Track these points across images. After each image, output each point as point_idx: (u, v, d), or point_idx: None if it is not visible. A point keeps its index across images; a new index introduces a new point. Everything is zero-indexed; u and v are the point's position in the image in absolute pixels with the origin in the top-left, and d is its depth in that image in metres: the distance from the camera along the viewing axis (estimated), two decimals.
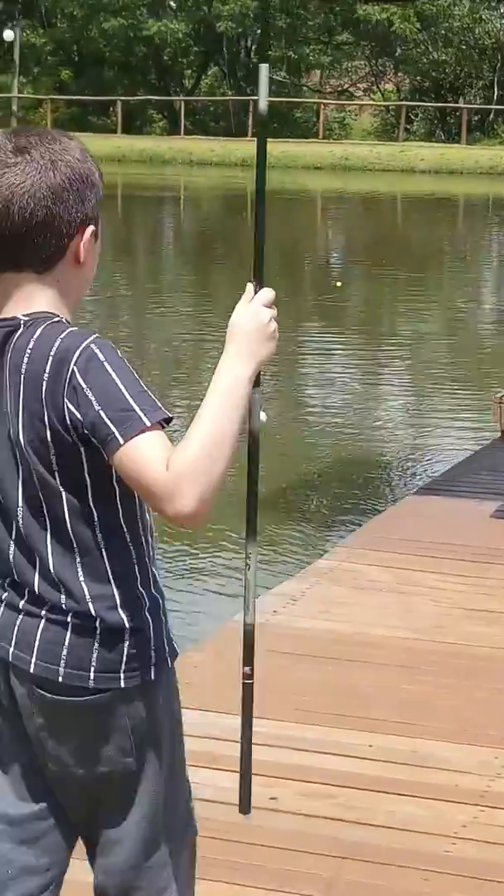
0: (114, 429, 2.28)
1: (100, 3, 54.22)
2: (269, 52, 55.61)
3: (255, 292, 2.50)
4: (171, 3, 54.23)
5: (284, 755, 4.28)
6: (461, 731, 4.48)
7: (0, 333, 2.43)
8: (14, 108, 52.95)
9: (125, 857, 2.62)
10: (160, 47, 54.58)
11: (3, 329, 2.44)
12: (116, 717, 2.51)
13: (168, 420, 2.31)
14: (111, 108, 52.46)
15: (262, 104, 2.64)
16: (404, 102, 53.94)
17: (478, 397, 11.76)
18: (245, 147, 45.79)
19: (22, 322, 2.42)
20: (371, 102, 57.23)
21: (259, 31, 54.40)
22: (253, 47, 56.76)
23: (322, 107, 52.79)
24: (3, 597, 2.53)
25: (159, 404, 2.34)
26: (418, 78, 56.59)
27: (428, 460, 9.87)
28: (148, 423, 2.28)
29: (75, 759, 2.54)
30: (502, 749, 4.35)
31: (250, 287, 2.51)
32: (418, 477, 9.20)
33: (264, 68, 2.65)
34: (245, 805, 2.77)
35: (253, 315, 2.48)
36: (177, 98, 53.84)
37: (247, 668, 2.71)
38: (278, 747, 4.28)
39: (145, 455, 2.28)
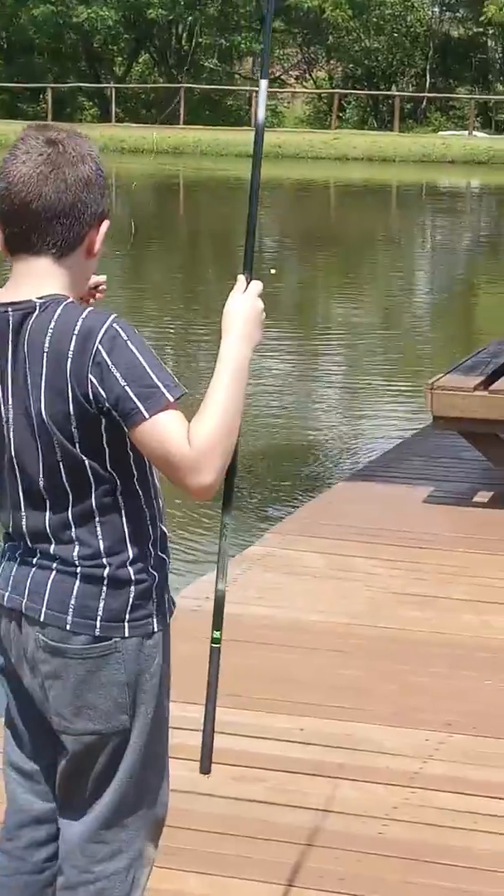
0: (139, 403, 2.44)
1: None
2: (201, 40, 55.64)
3: (248, 283, 2.72)
4: None
5: (216, 740, 4.28)
6: (394, 715, 4.51)
7: (17, 315, 2.55)
8: None
9: (85, 829, 2.71)
10: (90, 34, 54.24)
11: (20, 311, 2.55)
12: (116, 668, 2.63)
13: (183, 395, 2.49)
14: (41, 96, 51.98)
15: (261, 116, 3.03)
16: (337, 90, 53.95)
17: (412, 383, 11.81)
18: (177, 134, 45.82)
19: (37, 304, 2.54)
20: (303, 90, 57.30)
21: (190, 19, 54.24)
22: (184, 34, 56.56)
23: (254, 94, 52.72)
24: (18, 554, 2.67)
25: (176, 381, 2.50)
26: (351, 66, 56.64)
27: (362, 447, 9.90)
28: (171, 399, 2.45)
29: (74, 711, 2.64)
30: (435, 731, 4.39)
31: (242, 278, 2.74)
32: (352, 463, 9.23)
33: (264, 84, 3.15)
34: (206, 765, 2.92)
35: (251, 303, 2.70)
36: (107, 85, 53.56)
37: (216, 633, 2.90)
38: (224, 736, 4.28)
39: (169, 431, 2.46)
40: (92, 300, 3.03)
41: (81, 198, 2.57)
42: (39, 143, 2.57)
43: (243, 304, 2.71)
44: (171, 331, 15.25)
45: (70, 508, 2.60)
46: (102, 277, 3.05)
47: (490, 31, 53.62)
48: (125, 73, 57.35)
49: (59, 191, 2.55)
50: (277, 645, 5.09)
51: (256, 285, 2.73)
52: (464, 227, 29.94)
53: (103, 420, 2.51)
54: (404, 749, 4.27)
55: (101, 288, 3.05)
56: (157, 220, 24.71)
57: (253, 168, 2.99)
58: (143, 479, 2.63)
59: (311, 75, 58.78)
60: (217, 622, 2.90)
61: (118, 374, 2.47)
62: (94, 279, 2.99)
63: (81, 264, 2.63)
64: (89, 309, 2.57)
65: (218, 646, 2.90)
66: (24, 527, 2.67)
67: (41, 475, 2.62)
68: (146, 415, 2.45)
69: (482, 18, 51.15)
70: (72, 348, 2.49)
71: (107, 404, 2.47)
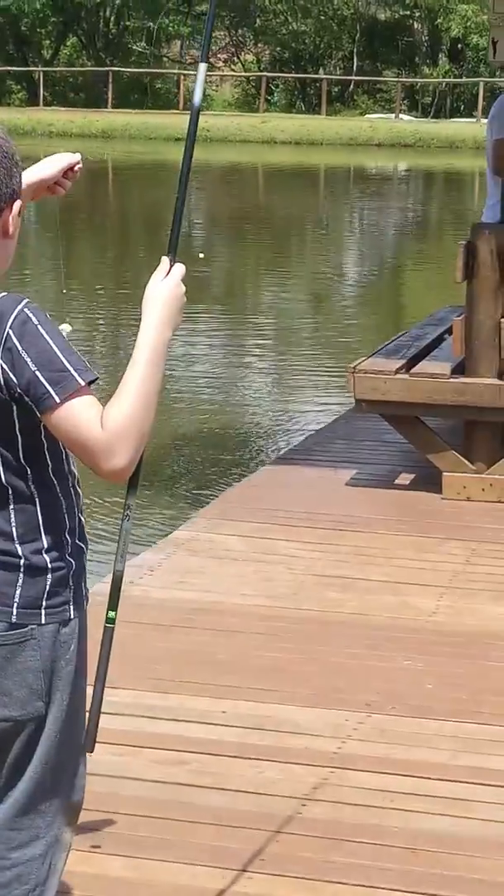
0: (50, 388, 2.43)
1: None
2: (128, 23, 55.28)
3: (171, 266, 2.68)
4: None
5: (137, 723, 4.31)
6: (315, 696, 4.53)
7: None
8: None
9: (5, 810, 2.70)
10: (18, 17, 53.63)
11: None
12: (32, 655, 2.62)
13: (95, 380, 2.48)
14: None
15: (197, 99, 2.96)
16: (264, 73, 53.86)
17: (339, 368, 11.84)
18: (105, 118, 45.51)
19: None
20: (231, 73, 57.10)
21: (118, 1, 53.89)
22: (112, 17, 56.18)
23: (182, 77, 52.50)
24: None
25: (88, 365, 2.49)
26: (278, 49, 56.58)
27: (288, 431, 9.93)
28: (82, 383, 2.43)
29: None
30: (354, 712, 4.41)
31: (165, 260, 2.69)
32: (277, 447, 9.26)
33: (203, 67, 2.98)
34: (90, 744, 2.82)
35: (172, 287, 2.66)
36: (35, 69, 53.09)
37: (111, 613, 2.82)
38: (131, 716, 4.31)
39: (81, 415, 2.45)
40: (67, 185, 3.09)
41: None
42: None
43: (164, 287, 2.67)
44: (100, 316, 15.19)
45: None
46: (77, 156, 3.08)
47: (416, 14, 53.85)
48: (53, 56, 56.88)
49: None
50: (201, 629, 5.09)
51: (179, 268, 2.69)
52: (391, 209, 30.00)
53: (15, 407, 2.49)
54: (324, 729, 4.29)
55: (76, 168, 3.09)
56: (85, 204, 24.52)
57: (185, 151, 2.95)
58: (59, 468, 2.62)
59: (239, 58, 58.58)
60: (113, 602, 2.85)
61: (29, 360, 2.46)
62: (69, 159, 3.05)
63: (0, 246, 2.61)
64: (1, 294, 2.54)
65: (112, 626, 2.86)
66: None
67: None
68: (57, 399, 2.45)
69: (408, 1, 51.32)
70: None
71: (18, 390, 2.47)
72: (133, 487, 2.72)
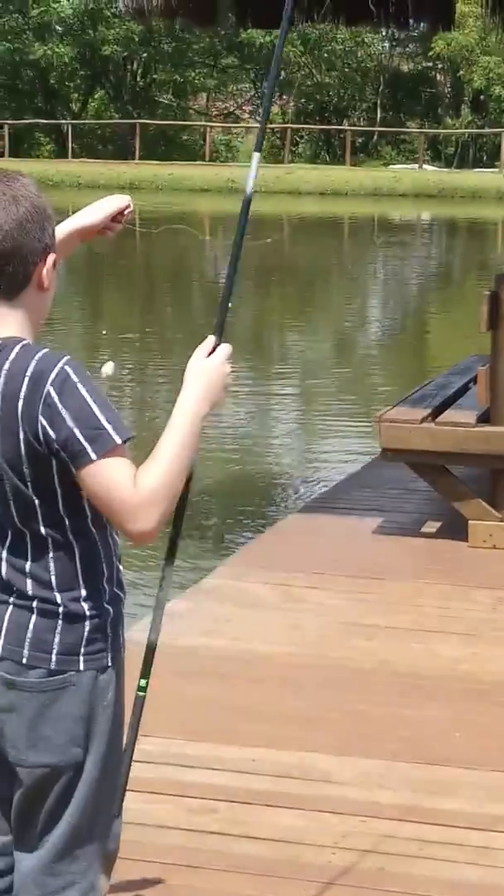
0: (86, 445, 2.46)
1: None
2: (155, 76, 55.74)
3: (216, 345, 2.74)
4: (57, 28, 53.89)
5: (168, 772, 4.30)
6: (342, 745, 4.52)
7: None
8: None
9: (40, 861, 2.72)
10: (46, 71, 54.34)
11: None
12: (71, 702, 2.64)
13: (131, 437, 2.51)
14: None
15: (249, 189, 3.09)
16: (289, 125, 54.20)
17: (365, 416, 11.84)
18: (133, 169, 45.80)
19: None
20: (256, 125, 57.16)
21: (145, 55, 54.34)
22: (139, 70, 56.66)
23: (208, 129, 52.94)
24: None
25: (125, 423, 2.52)
26: (303, 100, 56.96)
27: (314, 479, 9.91)
28: (118, 441, 2.47)
29: (29, 744, 2.64)
30: (381, 760, 4.41)
31: (211, 339, 2.76)
32: (304, 496, 9.23)
33: (256, 156, 3.14)
34: (118, 807, 2.84)
35: (217, 367, 2.71)
36: (64, 122, 53.59)
37: (143, 681, 2.91)
38: (162, 764, 4.31)
39: (114, 475, 2.48)
40: (118, 228, 3.11)
41: (19, 240, 2.58)
42: None
43: (208, 364, 2.71)
44: (128, 370, 15.24)
45: (24, 543, 2.62)
46: (127, 199, 3.11)
47: (439, 66, 54.11)
48: (81, 109, 57.36)
49: (7, 235, 2.57)
50: (229, 677, 5.10)
51: (226, 348, 2.74)
52: (415, 259, 30.04)
53: (54, 461, 2.52)
54: (352, 778, 4.29)
55: (126, 212, 3.12)
56: (115, 255, 24.67)
57: (238, 237, 3.06)
58: (98, 519, 2.62)
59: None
60: (146, 671, 2.91)
61: (67, 416, 2.48)
62: (119, 204, 3.09)
63: (35, 299, 2.65)
64: (44, 351, 2.57)
65: (143, 694, 2.91)
66: None
67: None
68: (94, 456, 2.47)
69: (431, 53, 51.56)
70: (24, 390, 2.51)
71: (56, 445, 2.49)
72: (171, 559, 2.83)
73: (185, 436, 2.61)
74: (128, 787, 2.90)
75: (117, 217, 3.12)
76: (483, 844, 3.89)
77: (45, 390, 2.50)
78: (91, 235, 3.15)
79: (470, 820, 4.02)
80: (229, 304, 2.97)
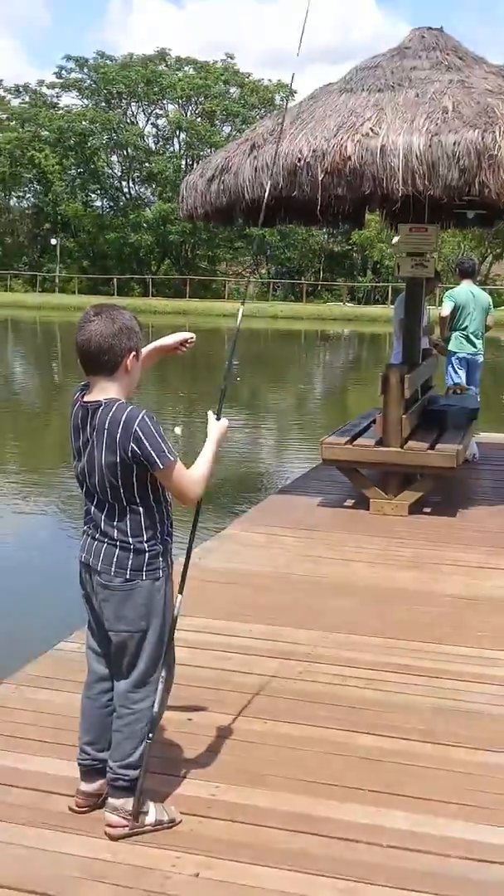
0: (158, 460, 2.54)
1: (103, 223, 54.06)
2: (198, 252, 55.72)
3: (218, 416, 2.84)
4: (144, 225, 53.90)
5: (202, 637, 4.17)
6: (300, 621, 4.40)
7: (92, 408, 2.59)
8: (57, 281, 52.29)
9: (127, 686, 2.69)
10: (138, 249, 54.38)
11: (94, 406, 2.59)
12: (139, 597, 2.62)
13: (177, 457, 2.59)
14: (109, 282, 51.80)
15: (238, 322, 3.12)
16: (272, 280, 54.18)
17: (313, 441, 11.78)
18: (185, 303, 45.59)
19: (103, 403, 2.59)
20: (253, 279, 57.20)
21: (193, 239, 54.27)
22: (189, 247, 56.61)
23: (226, 281, 52.95)
24: (88, 531, 2.67)
25: (173, 450, 2.57)
26: (279, 265, 56.85)
27: (284, 476, 9.79)
28: (172, 459, 2.56)
29: (115, 620, 2.64)
30: (321, 631, 4.26)
31: (212, 413, 2.85)
32: (278, 485, 9.10)
33: (241, 309, 3.12)
34: (172, 658, 2.78)
35: (225, 424, 2.85)
36: (146, 277, 53.48)
37: (180, 592, 2.85)
38: (198, 631, 4.20)
39: (174, 476, 2.58)
40: (184, 350, 3.02)
41: (114, 343, 2.57)
42: (91, 315, 2.59)
43: (221, 423, 2.84)
44: (169, 420, 15.21)
45: (114, 510, 2.60)
46: (190, 334, 3.03)
47: (355, 248, 53.98)
48: (157, 269, 57.23)
49: (102, 339, 2.55)
50: (237, 584, 5.01)
51: (225, 420, 2.86)
52: (340, 355, 30.01)
53: (134, 467, 2.54)
54: (305, 639, 4.14)
55: (188, 342, 3.03)
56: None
57: (231, 353, 3.10)
58: (157, 495, 2.63)
59: (258, 271, 58.79)
60: (182, 581, 2.88)
61: (147, 444, 2.52)
62: (185, 336, 3.01)
63: (124, 378, 2.62)
64: (131, 407, 2.57)
65: (181, 596, 2.86)
66: (92, 519, 2.66)
67: (100, 493, 2.61)
68: (161, 466, 2.54)
69: (350, 241, 51.51)
70: (119, 429, 2.53)
71: (141, 458, 2.52)
72: (198, 512, 2.85)
73: (211, 454, 2.72)
74: (175, 645, 2.83)
75: (184, 344, 3.04)
76: (377, 678, 3.79)
77: (135, 429, 2.52)
78: (166, 353, 3.07)
79: (371, 664, 3.94)
80: (224, 388, 2.98)
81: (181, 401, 16.71)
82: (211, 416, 2.86)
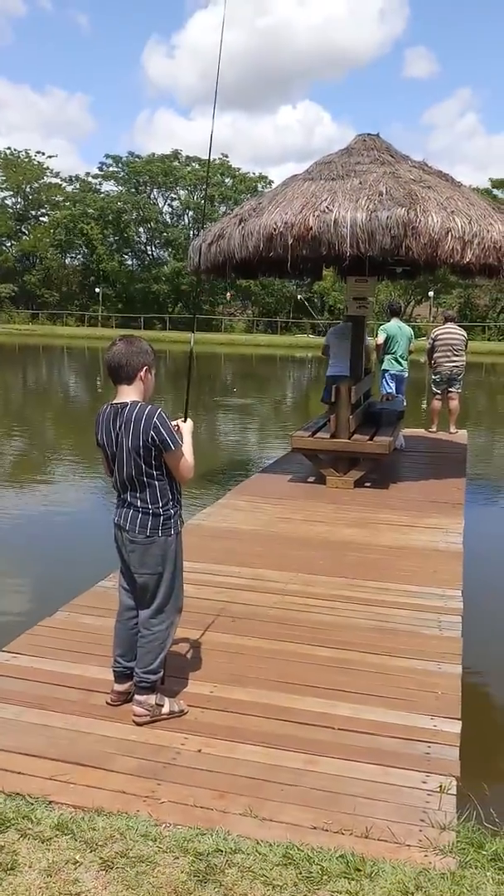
0: (171, 444, 2.51)
1: (133, 277, 53.14)
2: (203, 297, 55.12)
3: (185, 419, 2.70)
4: (162, 278, 53.28)
5: (204, 577, 4.11)
6: (276, 564, 4.32)
7: (119, 407, 2.55)
8: (99, 319, 51.60)
9: (148, 613, 2.66)
10: (158, 295, 53.69)
11: (122, 406, 2.55)
12: (157, 548, 2.59)
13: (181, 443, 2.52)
14: (137, 320, 50.94)
15: (192, 342, 3.01)
16: (255, 318, 53.66)
17: (285, 434, 11.73)
18: (195, 336, 44.82)
19: (129, 403, 2.55)
20: (241, 319, 56.91)
21: (198, 289, 53.51)
22: (195, 295, 55.75)
23: (222, 319, 52.56)
24: (121, 503, 2.61)
25: (178, 437, 2.54)
26: (260, 307, 56.37)
27: (263, 460, 9.68)
28: (180, 443, 2.54)
29: (139, 565, 2.61)
30: (292, 572, 4.20)
31: (181, 418, 2.72)
32: (259, 466, 9.03)
33: (192, 337, 3.02)
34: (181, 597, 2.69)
35: (190, 425, 2.72)
36: (165, 315, 52.61)
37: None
38: (200, 573, 4.13)
39: (178, 458, 2.54)
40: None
41: (131, 359, 2.55)
42: (118, 341, 2.59)
43: (188, 426, 2.72)
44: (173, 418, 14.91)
45: (137, 485, 2.56)
46: (189, 424, 2.74)
47: (315, 295, 53.68)
48: (172, 311, 56.56)
49: (126, 357, 2.55)
50: (229, 538, 4.93)
51: (190, 421, 2.73)
52: (305, 372, 29.80)
53: (153, 450, 2.51)
54: (278, 577, 4.07)
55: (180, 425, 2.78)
56: (172, 371, 24.25)
57: (189, 370, 3.04)
58: (169, 473, 2.59)
59: (245, 311, 58.40)
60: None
61: (163, 432, 2.49)
62: (182, 425, 2.72)
63: (141, 385, 2.60)
64: (151, 405, 2.54)
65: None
66: (122, 492, 2.61)
67: (127, 471, 2.57)
68: (172, 449, 2.50)
69: (312, 289, 51.16)
70: (143, 423, 2.50)
71: (158, 443, 2.49)
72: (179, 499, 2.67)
73: (190, 444, 2.62)
74: (185, 583, 2.81)
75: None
76: (331, 605, 3.76)
77: (154, 422, 2.50)
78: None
79: (326, 595, 3.87)
80: (187, 399, 2.87)
81: (178, 402, 16.41)
82: (181, 422, 2.77)
